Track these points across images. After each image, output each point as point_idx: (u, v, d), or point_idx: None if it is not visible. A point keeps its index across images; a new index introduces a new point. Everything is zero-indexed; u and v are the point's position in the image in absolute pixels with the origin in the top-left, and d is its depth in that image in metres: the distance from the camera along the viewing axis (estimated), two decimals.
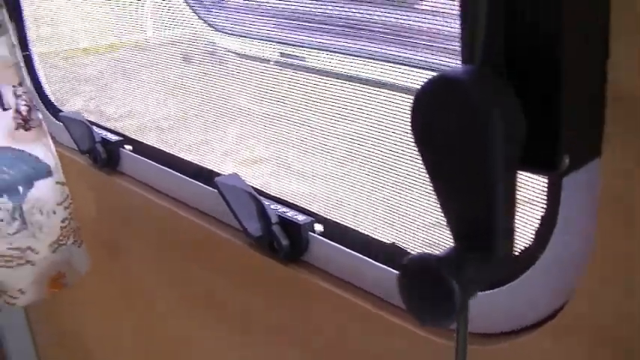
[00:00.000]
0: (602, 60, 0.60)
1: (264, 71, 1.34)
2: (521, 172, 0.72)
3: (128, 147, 1.53)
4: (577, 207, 0.71)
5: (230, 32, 1.47)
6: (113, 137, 1.54)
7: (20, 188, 1.51)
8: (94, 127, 1.57)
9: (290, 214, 1.08)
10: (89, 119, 1.61)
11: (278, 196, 1.15)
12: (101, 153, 1.53)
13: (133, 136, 1.56)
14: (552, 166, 0.58)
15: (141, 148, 1.50)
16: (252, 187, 1.13)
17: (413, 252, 0.96)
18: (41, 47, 1.88)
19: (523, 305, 0.79)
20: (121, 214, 1.61)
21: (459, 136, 0.55)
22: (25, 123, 1.52)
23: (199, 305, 1.39)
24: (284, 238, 1.07)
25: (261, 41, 1.35)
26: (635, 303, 0.65)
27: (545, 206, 0.76)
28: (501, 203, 0.56)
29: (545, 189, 0.75)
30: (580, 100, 0.59)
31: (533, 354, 0.78)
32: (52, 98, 1.83)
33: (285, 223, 1.07)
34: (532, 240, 0.78)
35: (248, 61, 1.42)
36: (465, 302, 0.55)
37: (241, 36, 1.43)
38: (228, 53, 1.46)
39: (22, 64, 1.52)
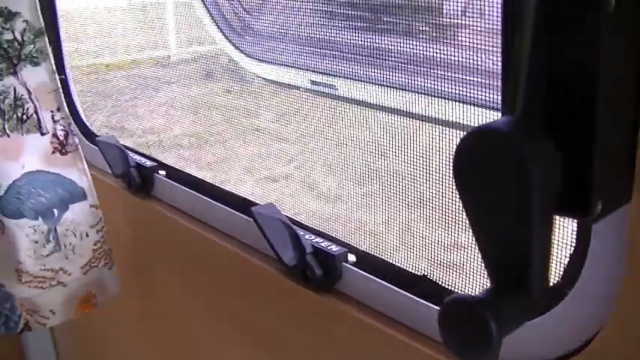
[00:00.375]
0: (635, 109, 0.63)
1: (295, 97, 1.37)
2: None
3: (162, 172, 1.56)
4: (605, 247, 0.74)
5: (260, 59, 1.50)
6: (148, 162, 1.58)
7: (55, 211, 1.55)
8: (129, 152, 1.60)
9: (324, 244, 1.11)
10: (122, 144, 1.65)
11: (313, 226, 1.18)
12: (135, 177, 1.57)
13: (167, 162, 1.60)
14: (586, 212, 0.61)
15: (174, 174, 1.54)
16: (287, 217, 1.16)
17: (442, 284, 1.00)
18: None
19: (551, 339, 0.81)
20: (153, 239, 1.64)
21: (500, 185, 0.59)
22: (61, 147, 1.56)
23: (231, 333, 1.41)
24: (318, 268, 1.09)
25: (291, 68, 1.38)
26: None
27: (574, 245, 0.78)
28: (538, 248, 0.59)
29: (575, 228, 0.78)
30: (613, 150, 0.62)
31: None
32: (88, 123, 1.87)
33: (319, 252, 1.10)
34: (561, 277, 0.80)
35: (278, 87, 1.45)
36: (500, 342, 0.58)
37: (271, 63, 1.46)
38: (256, 78, 1.49)
39: (61, 89, 1.55)
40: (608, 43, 0.57)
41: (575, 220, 0.77)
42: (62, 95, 1.55)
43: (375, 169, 1.15)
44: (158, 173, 1.55)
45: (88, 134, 1.83)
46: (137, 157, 1.60)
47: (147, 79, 1.74)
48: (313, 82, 1.35)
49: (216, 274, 1.40)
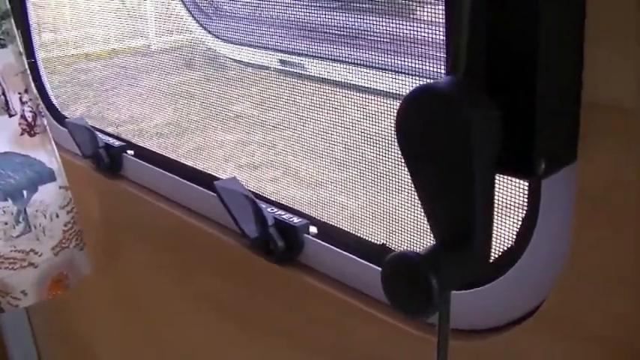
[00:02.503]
0: (578, 68, 0.64)
1: (264, 78, 1.37)
2: (505, 178, 0.78)
3: (130, 152, 1.56)
4: (556, 209, 0.75)
5: (230, 40, 1.50)
6: (116, 142, 1.58)
7: (25, 192, 1.55)
8: (98, 133, 1.60)
9: (286, 216, 1.12)
10: (92, 124, 1.66)
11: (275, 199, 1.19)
12: (104, 158, 1.57)
13: (135, 141, 1.60)
14: (529, 170, 0.63)
15: (143, 153, 1.54)
16: (251, 191, 1.17)
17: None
18: (43, 53, 1.92)
19: (506, 303, 0.83)
20: (123, 218, 1.64)
21: (440, 142, 0.60)
22: (30, 129, 1.56)
23: (200, 306, 1.42)
24: (280, 240, 1.10)
25: (261, 49, 1.38)
26: (610, 298, 0.69)
27: (526, 208, 0.80)
28: (480, 205, 0.61)
29: (527, 192, 0.79)
30: (556, 107, 0.63)
31: (514, 350, 0.81)
32: (57, 104, 1.87)
33: (281, 225, 1.11)
34: (514, 240, 0.82)
35: (248, 68, 1.45)
36: (442, 297, 0.59)
37: (241, 44, 1.46)
38: (228, 60, 1.50)
39: (28, 71, 1.55)
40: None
41: (526, 183, 0.78)
42: (30, 77, 1.54)
43: (334, 140, 1.16)
44: (126, 153, 1.55)
45: (58, 116, 1.83)
46: (106, 138, 1.61)
47: (127, 69, 1.74)
48: (282, 62, 1.35)
49: (185, 251, 1.41)
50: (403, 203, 1.01)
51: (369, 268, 1.01)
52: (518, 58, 0.60)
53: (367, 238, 1.06)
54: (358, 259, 1.03)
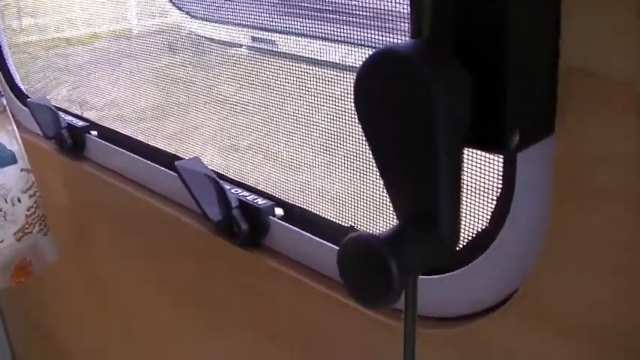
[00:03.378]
0: (554, 36, 0.58)
1: (237, 57, 1.32)
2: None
3: (94, 132, 1.50)
4: (532, 187, 0.69)
5: (202, 17, 1.45)
6: (79, 123, 1.52)
7: None
8: (61, 113, 1.54)
9: (250, 198, 1.07)
10: (62, 106, 1.60)
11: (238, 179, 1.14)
12: (67, 139, 1.51)
13: (115, 126, 1.54)
14: (501, 144, 0.56)
15: (106, 134, 1.48)
16: (214, 171, 1.11)
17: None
18: (23, 37, 1.86)
19: (479, 289, 0.77)
20: (88, 200, 1.59)
21: (402, 111, 0.54)
22: None
23: (163, 289, 1.38)
24: (244, 223, 1.05)
25: (232, 26, 1.33)
26: (586, 284, 0.64)
27: (500, 187, 0.74)
28: (445, 182, 0.54)
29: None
30: (529, 76, 0.57)
31: (484, 338, 0.76)
32: (22, 85, 1.81)
33: (245, 207, 1.06)
34: (487, 221, 0.77)
35: (221, 47, 1.40)
36: (402, 283, 0.53)
37: (213, 21, 1.41)
38: (201, 39, 1.44)
39: None
40: None
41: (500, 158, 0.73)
42: None
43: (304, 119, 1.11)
44: (89, 133, 1.49)
45: (22, 98, 1.76)
46: (69, 118, 1.54)
47: (109, 53, 1.68)
48: (254, 39, 1.30)
49: (149, 234, 1.36)
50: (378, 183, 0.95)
51: (334, 250, 0.95)
52: (487, 19, 0.54)
53: (335, 220, 1.01)
54: (325, 242, 0.97)
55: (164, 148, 1.35)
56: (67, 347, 1.96)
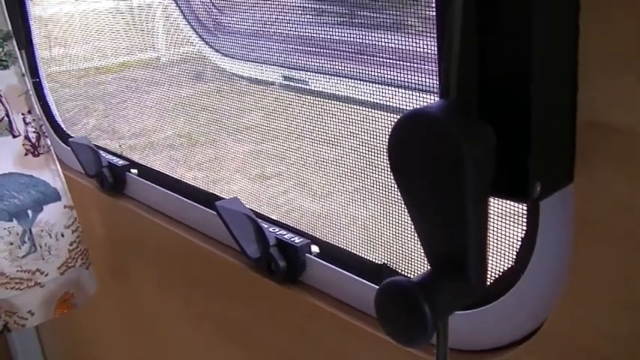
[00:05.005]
0: (572, 91, 0.63)
1: (269, 94, 1.37)
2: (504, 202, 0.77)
3: (134, 171, 1.57)
4: (555, 230, 0.75)
5: (233, 56, 1.50)
6: (120, 162, 1.58)
7: (29, 212, 1.56)
8: (102, 152, 1.61)
9: (287, 236, 1.12)
10: (97, 143, 1.66)
11: (278, 219, 1.19)
12: (108, 177, 1.58)
13: (139, 160, 1.60)
14: (524, 193, 0.62)
15: (146, 172, 1.54)
16: (252, 210, 1.17)
17: (402, 272, 1.01)
18: (55, 67, 1.93)
19: (505, 324, 0.82)
20: (127, 237, 1.65)
21: (432, 167, 0.60)
22: (34, 149, 1.57)
23: (203, 327, 1.42)
24: (281, 260, 1.10)
25: (264, 65, 1.38)
26: (608, 322, 0.69)
27: (525, 230, 0.79)
28: (473, 231, 0.60)
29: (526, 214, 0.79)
30: (550, 129, 0.63)
31: None
32: (62, 123, 1.87)
33: (282, 245, 1.11)
34: (513, 261, 0.81)
35: (252, 84, 1.45)
36: (435, 324, 0.59)
37: (245, 60, 1.46)
38: (233, 76, 1.50)
39: (32, 91, 1.56)
40: (539, 22, 0.58)
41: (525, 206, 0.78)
42: (33, 98, 1.55)
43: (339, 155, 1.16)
44: (130, 172, 1.56)
45: (63, 135, 1.83)
46: (109, 157, 1.61)
47: (137, 82, 1.74)
48: (285, 78, 1.35)
49: (188, 270, 1.41)
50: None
51: (370, 288, 1.00)
52: (510, 80, 0.60)
53: (368, 257, 1.06)
54: (359, 278, 1.02)
55: (202, 187, 1.40)
56: None
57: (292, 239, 1.11)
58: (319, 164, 1.21)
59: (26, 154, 1.56)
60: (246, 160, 1.44)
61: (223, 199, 1.23)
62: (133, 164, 1.58)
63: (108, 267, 1.72)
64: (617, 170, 0.63)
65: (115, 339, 1.86)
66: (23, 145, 1.56)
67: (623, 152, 0.63)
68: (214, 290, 1.34)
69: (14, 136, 1.55)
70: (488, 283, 0.85)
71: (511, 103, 0.60)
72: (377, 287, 0.97)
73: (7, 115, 1.54)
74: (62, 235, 1.60)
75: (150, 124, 1.69)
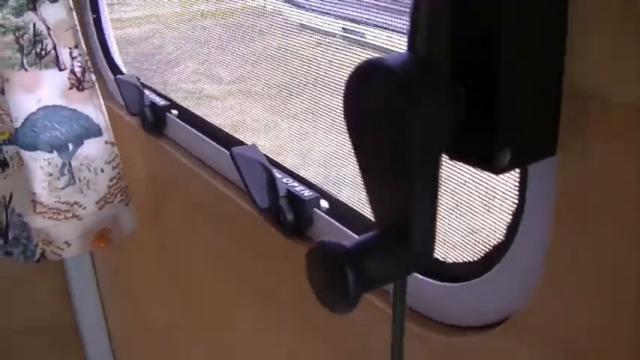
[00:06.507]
0: (558, 55, 0.57)
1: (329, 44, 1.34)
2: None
3: (174, 112, 1.56)
4: (540, 211, 0.69)
5: (298, 4, 1.48)
6: (161, 101, 1.58)
7: (70, 145, 1.58)
8: (146, 91, 1.61)
9: (298, 188, 1.09)
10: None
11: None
12: (149, 116, 1.58)
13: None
14: (489, 161, 0.56)
15: (185, 114, 1.54)
16: (268, 157, 1.14)
17: None
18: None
19: (488, 302, 0.78)
20: (165, 177, 1.66)
21: (383, 121, 0.54)
22: (78, 84, 1.59)
23: (219, 267, 1.44)
24: (289, 212, 1.08)
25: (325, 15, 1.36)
26: (589, 302, 0.64)
27: (515, 205, 0.74)
28: (419, 195, 0.55)
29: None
30: (528, 95, 0.57)
31: (487, 352, 0.77)
32: (118, 60, 1.89)
33: (291, 197, 1.09)
34: (502, 237, 0.77)
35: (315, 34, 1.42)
36: (360, 292, 0.55)
37: (308, 9, 1.44)
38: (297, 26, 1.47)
39: (78, 27, 1.57)
40: None
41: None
42: (79, 33, 1.56)
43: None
44: (170, 113, 1.55)
45: (116, 72, 1.85)
46: (152, 96, 1.61)
47: (241, 29, 1.72)
48: (344, 30, 1.33)
49: (214, 217, 1.41)
50: None
51: None
52: (482, 35, 0.54)
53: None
54: None
55: (233, 133, 1.39)
56: (144, 311, 2.06)
57: (302, 192, 1.08)
58: None
59: (71, 88, 1.58)
60: None
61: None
62: (174, 105, 1.57)
63: (146, 205, 1.74)
64: (606, 148, 0.57)
65: (150, 275, 1.90)
66: (69, 79, 1.58)
67: (608, 125, 0.56)
68: (229, 236, 1.34)
69: (60, 69, 1.57)
70: (473, 260, 0.81)
71: (481, 58, 0.54)
72: None
73: (55, 48, 1.55)
74: (102, 171, 1.62)
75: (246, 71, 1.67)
